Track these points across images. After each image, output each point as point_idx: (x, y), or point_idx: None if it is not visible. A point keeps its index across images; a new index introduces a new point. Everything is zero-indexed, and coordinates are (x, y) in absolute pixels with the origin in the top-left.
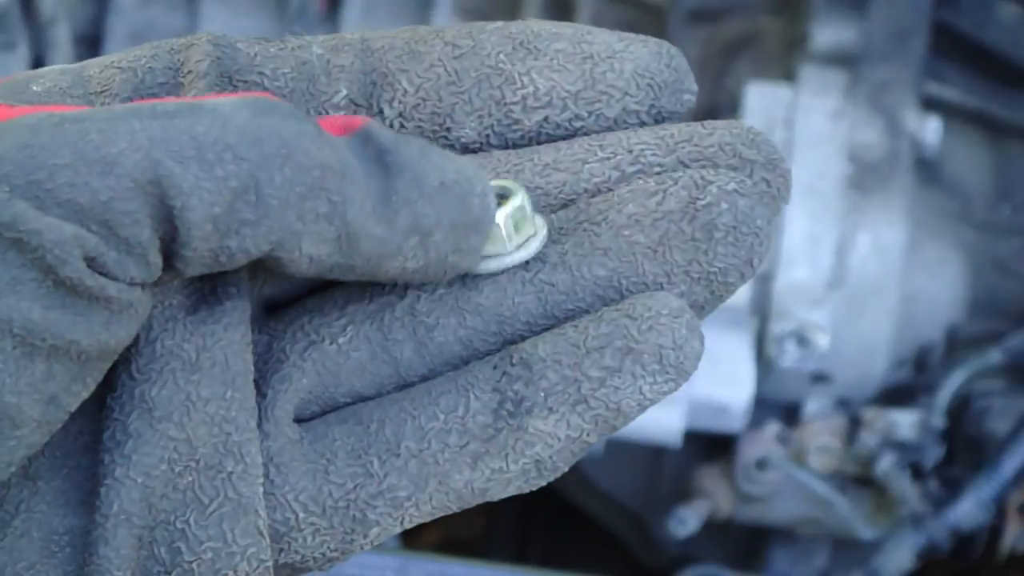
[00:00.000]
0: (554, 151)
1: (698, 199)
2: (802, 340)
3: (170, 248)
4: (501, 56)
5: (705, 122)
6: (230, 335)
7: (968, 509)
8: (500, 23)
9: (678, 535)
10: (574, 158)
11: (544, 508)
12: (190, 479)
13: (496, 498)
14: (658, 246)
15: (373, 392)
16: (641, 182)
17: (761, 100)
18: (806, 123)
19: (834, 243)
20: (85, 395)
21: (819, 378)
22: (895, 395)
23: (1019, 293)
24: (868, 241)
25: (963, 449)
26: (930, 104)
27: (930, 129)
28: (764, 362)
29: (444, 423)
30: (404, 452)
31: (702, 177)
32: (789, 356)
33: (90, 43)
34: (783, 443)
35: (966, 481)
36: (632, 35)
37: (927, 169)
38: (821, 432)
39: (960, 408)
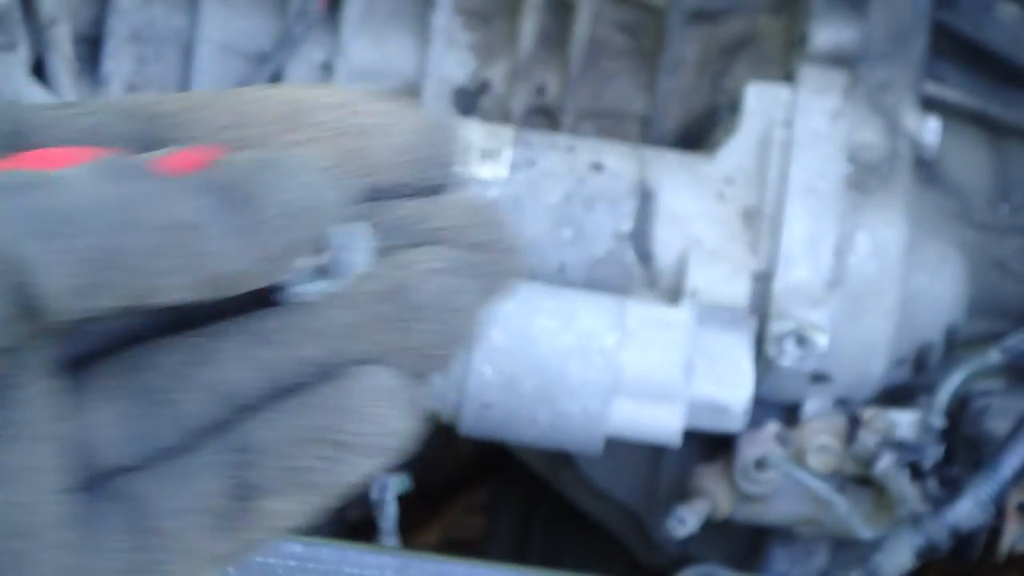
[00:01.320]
0: None
1: (401, 278)
2: (802, 340)
3: (35, 313)
4: (270, 127)
5: (426, 203)
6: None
7: (967, 509)
8: (269, 90)
9: (677, 535)
10: None
11: (544, 508)
12: None
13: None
14: (366, 326)
15: (138, 461)
16: None
17: (761, 100)
18: (806, 123)
19: (834, 243)
20: None
21: (819, 378)
22: (895, 395)
23: (1019, 293)
24: (868, 241)
25: (962, 449)
26: (930, 104)
27: (930, 129)
28: (764, 362)
29: (194, 503)
30: (168, 531)
31: (408, 258)
32: (789, 356)
33: (90, 43)
34: (782, 443)
35: (965, 481)
36: (400, 107)
37: (927, 169)
38: (820, 432)
39: (959, 408)
